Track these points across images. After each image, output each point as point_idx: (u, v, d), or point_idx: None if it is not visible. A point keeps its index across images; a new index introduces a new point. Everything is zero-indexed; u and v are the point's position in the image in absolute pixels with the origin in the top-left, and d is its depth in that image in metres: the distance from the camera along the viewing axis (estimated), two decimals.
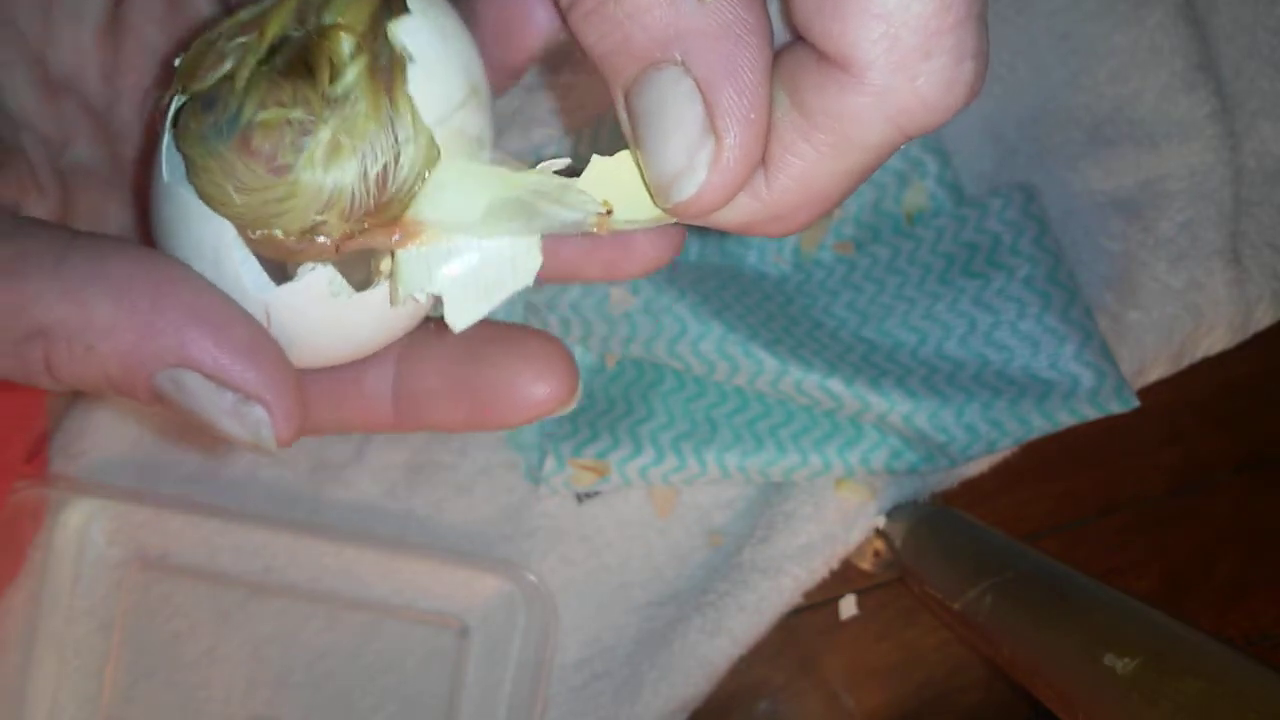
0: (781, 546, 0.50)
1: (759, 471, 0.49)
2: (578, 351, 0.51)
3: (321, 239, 0.19)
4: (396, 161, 0.19)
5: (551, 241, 0.21)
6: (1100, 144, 0.52)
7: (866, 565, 0.53)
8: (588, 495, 0.51)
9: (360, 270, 0.20)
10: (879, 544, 0.52)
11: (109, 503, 0.49)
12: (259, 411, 0.19)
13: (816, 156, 0.18)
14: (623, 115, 0.19)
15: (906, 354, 0.49)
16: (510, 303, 0.33)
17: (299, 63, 0.20)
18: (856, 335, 0.49)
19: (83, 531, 0.49)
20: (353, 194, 0.19)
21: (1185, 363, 0.52)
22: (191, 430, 0.49)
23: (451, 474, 0.51)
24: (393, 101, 0.19)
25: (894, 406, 0.46)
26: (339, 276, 0.20)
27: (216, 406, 0.19)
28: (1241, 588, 0.56)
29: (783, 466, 0.48)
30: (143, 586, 0.50)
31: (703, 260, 0.51)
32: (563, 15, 0.19)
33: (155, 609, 0.50)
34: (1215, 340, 0.52)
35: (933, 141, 0.50)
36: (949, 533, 0.49)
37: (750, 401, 0.49)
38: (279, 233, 0.19)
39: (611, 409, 0.50)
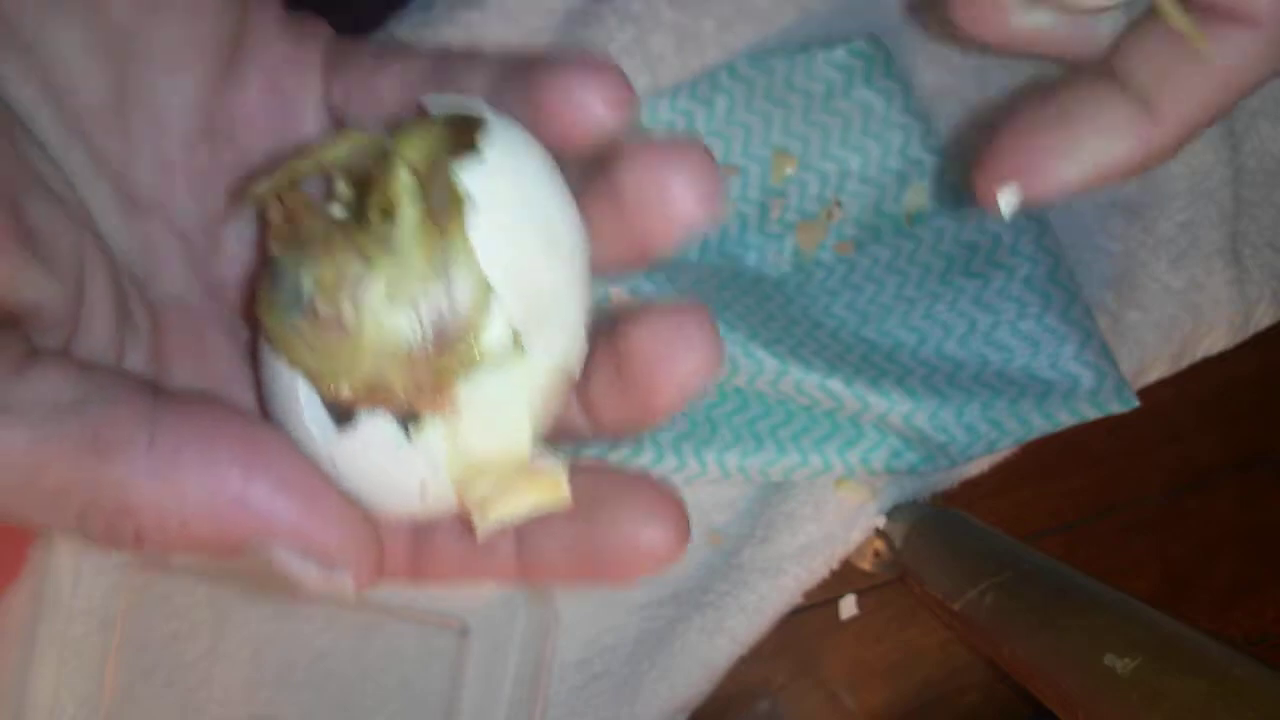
0: (781, 546, 0.50)
1: (759, 471, 0.49)
2: None
3: (381, 393, 0.19)
4: (450, 306, 0.19)
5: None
6: None
7: (866, 565, 0.53)
8: None
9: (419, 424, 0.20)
10: (879, 544, 0.52)
11: None
12: (341, 575, 0.19)
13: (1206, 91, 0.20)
14: None
15: (906, 354, 0.49)
16: None
17: (357, 202, 0.20)
18: (856, 335, 0.49)
19: None
20: (409, 344, 0.19)
21: (1185, 363, 0.52)
22: None
23: None
24: (447, 245, 0.19)
25: (894, 406, 0.46)
26: (396, 429, 0.20)
27: (301, 572, 0.19)
28: (1241, 588, 0.56)
29: (783, 466, 0.48)
30: (142, 586, 0.50)
31: (703, 260, 0.51)
32: None
33: (155, 609, 0.50)
34: (1215, 340, 0.52)
35: (932, 142, 0.50)
36: (949, 533, 0.49)
37: (750, 401, 0.49)
38: (345, 387, 0.19)
39: None
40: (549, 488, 0.21)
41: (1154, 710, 0.32)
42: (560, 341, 0.20)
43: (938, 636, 0.54)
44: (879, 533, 0.51)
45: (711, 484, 0.51)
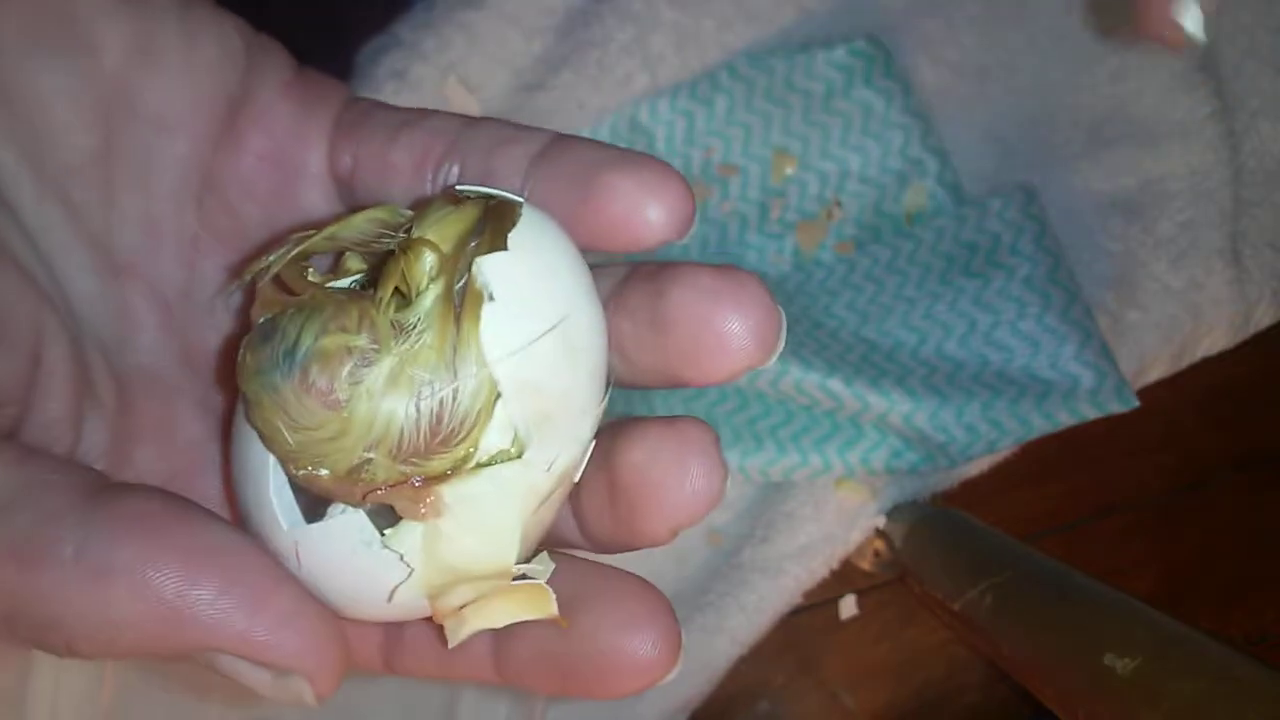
0: (781, 546, 0.50)
1: (759, 471, 0.49)
2: None
3: (361, 485, 0.18)
4: (454, 400, 0.17)
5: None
6: (1100, 144, 0.52)
7: (866, 565, 0.53)
8: None
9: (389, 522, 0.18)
10: (879, 544, 0.52)
11: None
12: (298, 681, 0.18)
13: None
14: None
15: (906, 354, 0.49)
16: None
17: (372, 281, 0.18)
18: (856, 335, 0.49)
19: None
20: (403, 431, 0.17)
21: (1185, 363, 0.52)
22: None
23: None
24: (460, 336, 0.17)
25: (894, 406, 0.46)
26: (370, 526, 0.18)
27: (252, 679, 0.18)
28: (1241, 588, 0.56)
29: (783, 466, 0.48)
30: None
31: (703, 260, 0.51)
32: None
33: None
34: (1215, 340, 0.52)
35: (933, 141, 0.50)
36: (949, 533, 0.49)
37: (750, 401, 0.49)
38: (325, 472, 0.18)
39: (611, 409, 0.50)
40: (533, 601, 0.19)
41: (1154, 710, 0.32)
42: (563, 452, 0.19)
43: (938, 636, 0.54)
44: (879, 533, 0.51)
45: None
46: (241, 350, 0.18)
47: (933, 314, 0.49)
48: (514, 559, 0.18)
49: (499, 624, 0.18)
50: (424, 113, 0.21)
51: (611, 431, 0.20)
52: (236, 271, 0.21)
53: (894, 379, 0.47)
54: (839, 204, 0.51)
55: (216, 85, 0.20)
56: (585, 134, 0.51)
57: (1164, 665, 0.33)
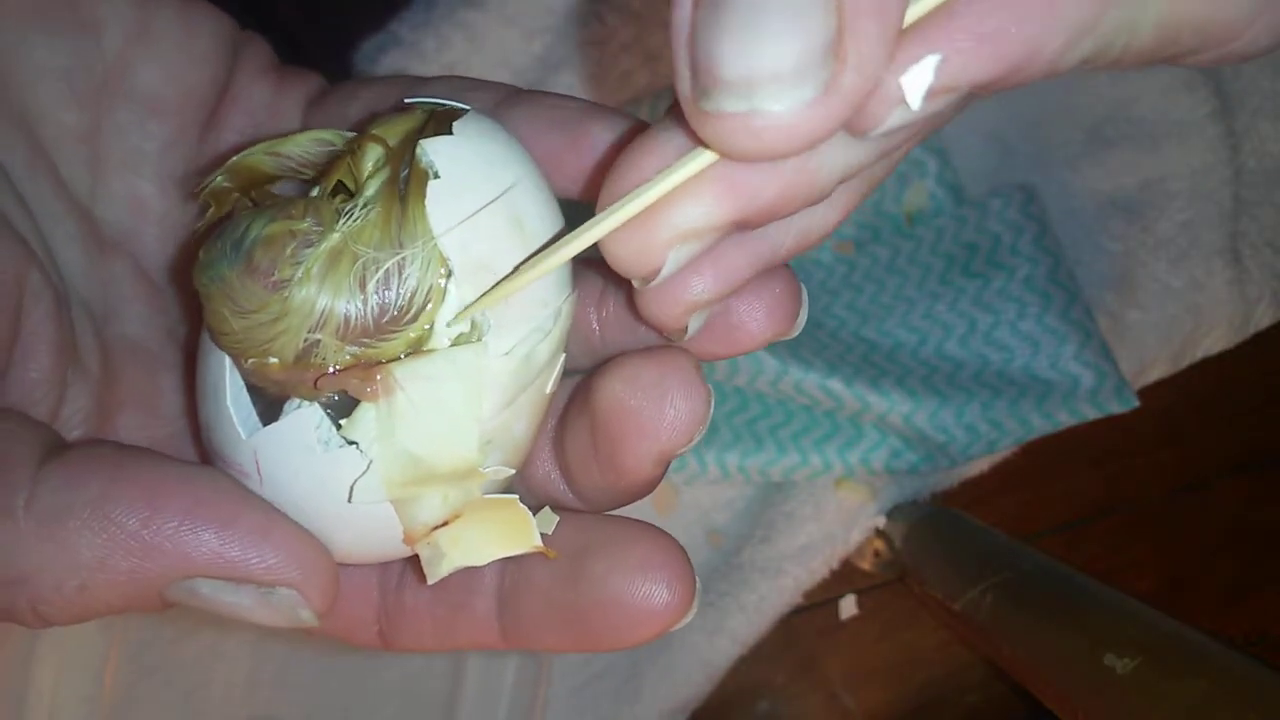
0: (781, 546, 0.50)
1: (759, 471, 0.49)
2: None
3: (312, 370, 0.17)
4: (400, 275, 0.17)
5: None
6: (1100, 144, 0.52)
7: (866, 565, 0.53)
8: None
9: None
10: (879, 544, 0.52)
11: None
12: (287, 594, 0.17)
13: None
14: None
15: (906, 354, 0.49)
16: None
17: (322, 176, 0.18)
18: (856, 335, 0.49)
19: None
20: (349, 309, 0.17)
21: (1185, 363, 0.52)
22: None
23: None
24: (405, 214, 0.17)
25: (894, 406, 0.46)
26: (326, 422, 0.17)
27: (239, 604, 0.17)
28: (1241, 588, 0.56)
29: (783, 466, 0.48)
30: None
31: None
32: None
33: None
34: (1215, 340, 0.52)
35: (933, 141, 0.50)
36: (949, 533, 0.49)
37: (750, 401, 0.49)
38: (273, 360, 0.17)
39: None
40: (513, 532, 0.18)
41: (1154, 710, 0.32)
42: (524, 340, 0.18)
43: (938, 637, 0.54)
44: (879, 533, 0.51)
45: (711, 484, 0.51)
46: (201, 249, 0.18)
47: (933, 314, 0.49)
48: (475, 452, 0.17)
49: (480, 561, 0.18)
50: (384, 77, 0.22)
51: (592, 373, 0.19)
52: (194, 188, 0.21)
53: (894, 379, 0.47)
54: None
55: (207, 74, 0.21)
56: None
57: (1164, 665, 0.33)
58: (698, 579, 0.18)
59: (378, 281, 0.17)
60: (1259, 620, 0.56)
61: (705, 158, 0.15)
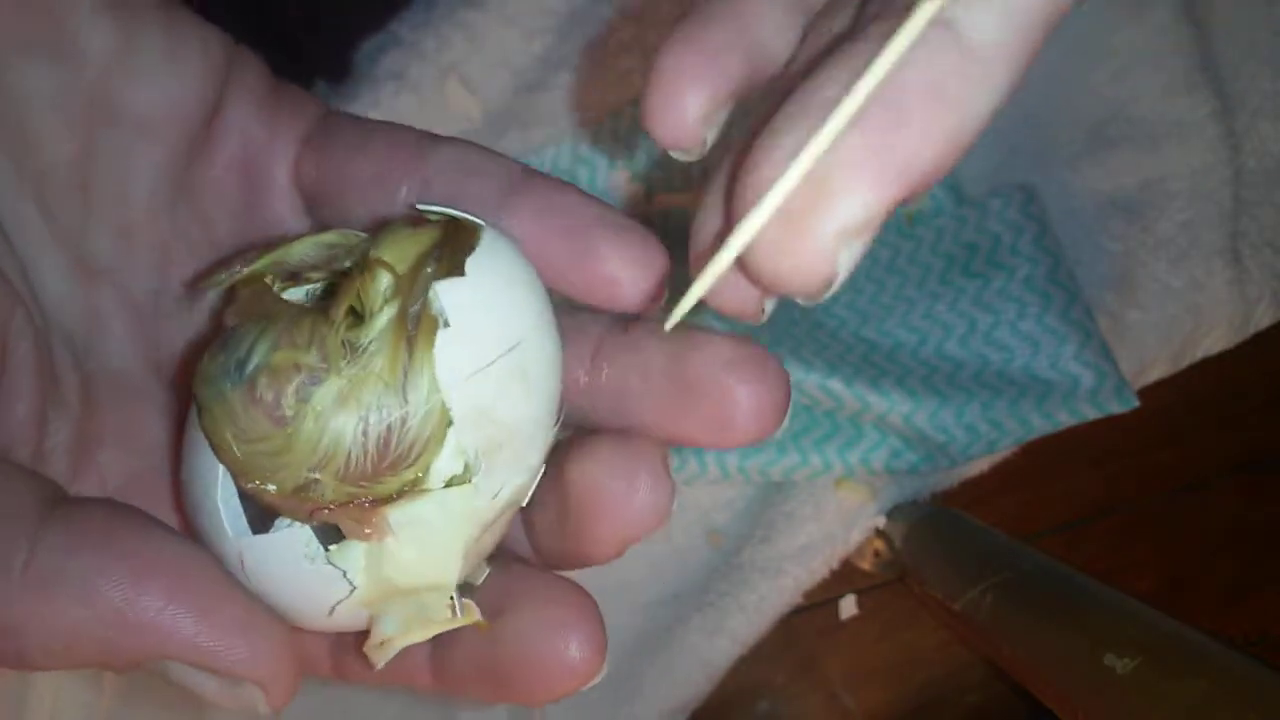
0: (781, 546, 0.50)
1: (759, 471, 0.49)
2: None
3: (308, 503, 0.18)
4: (403, 426, 0.17)
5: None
6: (1100, 144, 0.52)
7: (866, 565, 0.53)
8: None
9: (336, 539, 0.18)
10: (879, 544, 0.52)
11: None
12: (250, 689, 0.18)
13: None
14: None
15: (906, 354, 0.49)
16: None
17: (328, 298, 0.18)
18: (856, 335, 0.49)
19: None
20: (350, 453, 0.17)
21: (1185, 363, 0.52)
22: None
23: None
24: (411, 363, 0.17)
25: (894, 406, 0.46)
26: (315, 541, 0.18)
27: (204, 686, 0.18)
28: (1241, 588, 0.56)
29: (783, 466, 0.48)
30: None
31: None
32: None
33: None
34: (1215, 340, 0.52)
35: None
36: (949, 533, 0.49)
37: None
38: (272, 488, 0.18)
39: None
40: (459, 614, 0.19)
41: (1154, 710, 0.32)
42: (511, 479, 0.18)
43: (938, 637, 0.54)
44: (879, 533, 0.51)
45: (711, 484, 0.51)
46: (204, 356, 0.18)
47: (933, 314, 0.49)
48: (454, 581, 0.18)
49: (422, 638, 0.18)
50: (390, 126, 0.21)
51: (564, 447, 0.20)
52: (194, 283, 0.21)
53: (894, 379, 0.47)
54: None
55: (196, 95, 0.21)
56: (591, 131, 0.51)
57: (1164, 665, 0.33)
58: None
59: (380, 431, 0.17)
60: (1259, 620, 0.56)
61: (848, 105, 0.15)
